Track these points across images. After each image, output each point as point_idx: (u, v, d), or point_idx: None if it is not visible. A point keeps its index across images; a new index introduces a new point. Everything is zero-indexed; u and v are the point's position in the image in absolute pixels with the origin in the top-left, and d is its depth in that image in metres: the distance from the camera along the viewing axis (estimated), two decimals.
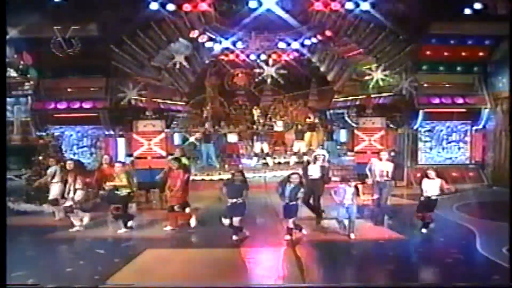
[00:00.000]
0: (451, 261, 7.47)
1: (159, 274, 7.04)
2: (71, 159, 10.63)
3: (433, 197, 9.23)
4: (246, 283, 6.68)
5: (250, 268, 7.41)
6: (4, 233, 6.64)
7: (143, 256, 7.91)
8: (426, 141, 16.57)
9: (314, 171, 9.98)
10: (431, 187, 9.21)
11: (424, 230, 9.20)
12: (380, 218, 9.92)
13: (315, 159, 10.12)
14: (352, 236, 8.74)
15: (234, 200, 8.65)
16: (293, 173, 8.91)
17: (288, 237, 8.69)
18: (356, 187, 8.97)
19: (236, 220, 8.70)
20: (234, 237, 8.68)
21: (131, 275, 7.00)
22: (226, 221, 8.79)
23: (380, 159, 10.06)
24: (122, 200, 9.60)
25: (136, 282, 6.61)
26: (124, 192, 9.54)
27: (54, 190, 10.53)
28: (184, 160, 11.28)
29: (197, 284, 6.64)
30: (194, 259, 7.87)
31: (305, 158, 10.85)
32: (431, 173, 9.27)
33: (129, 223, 9.68)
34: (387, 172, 9.86)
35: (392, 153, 15.95)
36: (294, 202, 8.60)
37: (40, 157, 12.21)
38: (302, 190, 8.66)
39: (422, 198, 9.30)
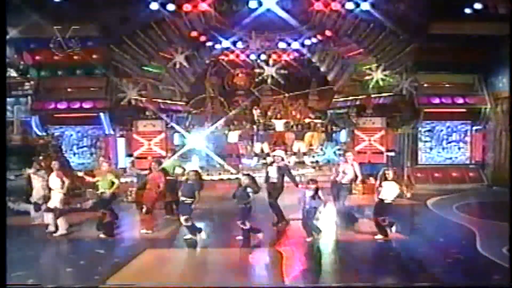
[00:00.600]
0: (451, 261, 7.47)
1: (159, 274, 7.04)
2: (56, 160, 10.48)
3: (387, 201, 8.61)
4: (246, 283, 6.67)
5: (250, 268, 7.43)
6: (4, 233, 6.65)
7: (143, 256, 7.91)
8: (426, 141, 16.57)
9: (273, 173, 9.81)
10: (388, 189, 8.61)
11: (379, 236, 8.63)
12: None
13: (273, 160, 9.95)
14: (308, 239, 8.42)
15: (184, 198, 8.61)
16: (243, 175, 8.87)
17: (241, 237, 8.55)
18: (317, 190, 8.45)
19: (182, 219, 8.56)
20: (188, 236, 8.59)
21: (131, 275, 7.00)
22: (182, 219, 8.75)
23: (346, 161, 9.91)
24: (104, 202, 9.36)
25: (136, 282, 6.61)
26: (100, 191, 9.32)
27: (38, 192, 10.38)
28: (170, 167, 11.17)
29: (197, 284, 6.64)
30: (194, 259, 7.88)
31: (268, 159, 10.65)
32: (389, 174, 8.69)
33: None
34: (353, 173, 9.68)
35: (392, 153, 16.14)
36: (244, 205, 8.44)
37: (41, 157, 12.19)
38: (250, 191, 8.46)
39: (377, 200, 8.75)
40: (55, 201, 9.45)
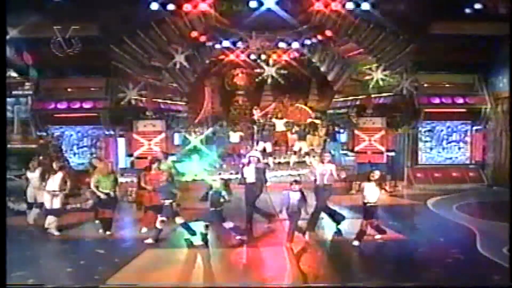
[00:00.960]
0: (451, 261, 7.47)
1: (159, 274, 7.04)
2: (57, 160, 10.54)
3: (371, 204, 8.31)
4: (246, 283, 6.67)
5: (250, 268, 7.43)
6: (4, 233, 6.65)
7: (143, 256, 7.91)
8: (426, 141, 16.58)
9: (249, 174, 9.63)
10: (369, 191, 8.35)
11: (355, 242, 8.30)
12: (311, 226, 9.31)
13: (249, 161, 9.74)
14: (288, 245, 8.19)
15: (163, 201, 8.65)
16: (220, 178, 8.84)
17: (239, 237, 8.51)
18: (302, 192, 8.29)
19: (158, 220, 8.58)
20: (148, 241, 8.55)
21: (131, 275, 7.00)
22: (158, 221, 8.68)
23: (322, 162, 9.50)
24: (108, 202, 9.47)
25: (136, 282, 6.61)
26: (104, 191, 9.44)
27: (33, 191, 10.39)
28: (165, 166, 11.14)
29: (197, 284, 6.64)
30: (194, 259, 7.89)
31: (243, 160, 10.27)
32: (376, 173, 8.43)
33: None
34: (329, 174, 9.26)
35: (392, 153, 16.13)
36: (215, 208, 8.35)
37: (41, 157, 12.20)
38: (224, 194, 8.39)
39: (363, 204, 8.44)
40: (57, 202, 9.51)
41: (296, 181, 8.44)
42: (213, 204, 8.35)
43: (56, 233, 9.44)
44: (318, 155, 10.14)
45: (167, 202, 8.59)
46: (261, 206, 10.25)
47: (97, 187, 9.42)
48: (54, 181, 9.53)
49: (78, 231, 9.83)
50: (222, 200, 8.35)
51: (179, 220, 8.71)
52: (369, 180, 8.40)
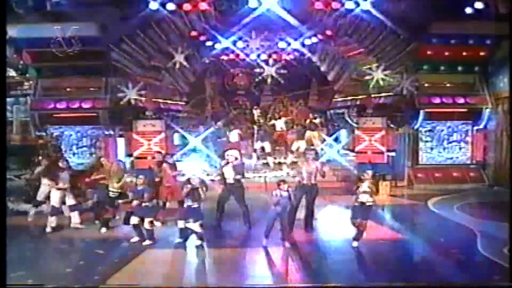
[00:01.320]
0: (451, 261, 7.46)
1: (159, 274, 7.03)
2: (57, 160, 10.64)
3: (368, 203, 8.24)
4: (246, 283, 6.66)
5: (250, 268, 7.41)
6: (4, 233, 6.63)
7: (143, 256, 7.90)
8: (427, 141, 16.52)
9: (229, 173, 9.60)
10: (364, 191, 8.27)
11: (355, 243, 8.25)
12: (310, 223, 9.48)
13: (227, 161, 9.66)
14: (287, 244, 8.29)
15: (145, 204, 8.68)
16: (194, 175, 8.77)
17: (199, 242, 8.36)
18: (289, 191, 8.28)
19: (146, 222, 8.62)
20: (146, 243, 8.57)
21: (131, 275, 6.99)
22: (133, 220, 8.70)
23: (306, 160, 9.42)
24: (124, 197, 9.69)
25: (136, 282, 6.60)
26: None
27: (43, 191, 10.54)
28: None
29: (197, 284, 6.64)
30: (194, 259, 7.87)
31: (223, 162, 9.98)
32: (368, 173, 8.39)
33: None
34: (315, 173, 9.23)
35: (392, 153, 16.10)
36: (195, 205, 8.33)
37: (40, 157, 12.23)
38: (201, 192, 8.39)
39: (356, 204, 8.31)
40: (71, 199, 9.95)
41: (282, 181, 8.41)
42: (191, 201, 8.36)
43: (81, 226, 9.91)
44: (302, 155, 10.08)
45: (149, 204, 8.70)
46: (260, 205, 10.26)
47: (121, 183, 9.74)
48: (62, 180, 9.84)
49: (78, 231, 9.83)
50: (199, 197, 8.38)
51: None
52: (361, 180, 8.32)
